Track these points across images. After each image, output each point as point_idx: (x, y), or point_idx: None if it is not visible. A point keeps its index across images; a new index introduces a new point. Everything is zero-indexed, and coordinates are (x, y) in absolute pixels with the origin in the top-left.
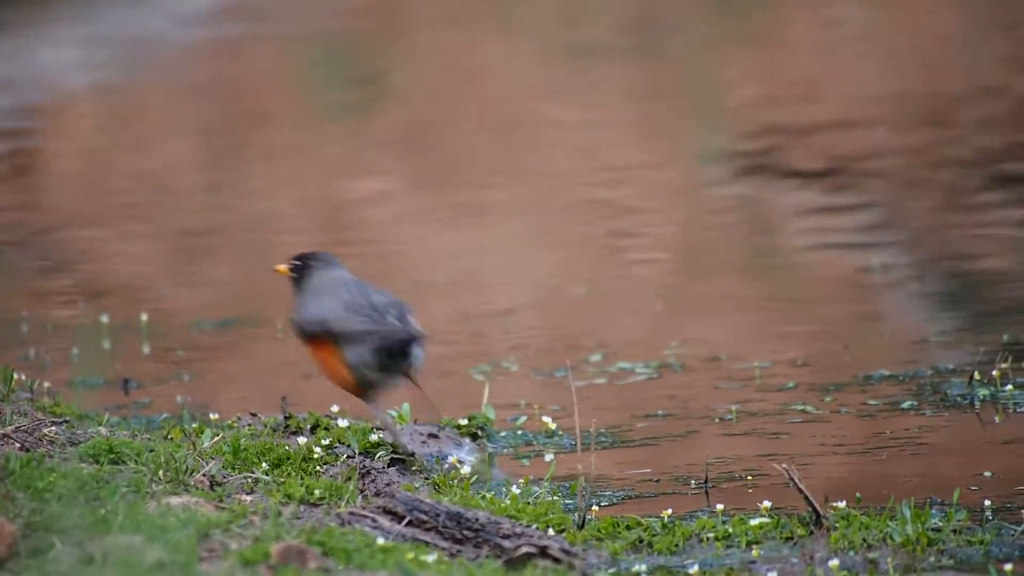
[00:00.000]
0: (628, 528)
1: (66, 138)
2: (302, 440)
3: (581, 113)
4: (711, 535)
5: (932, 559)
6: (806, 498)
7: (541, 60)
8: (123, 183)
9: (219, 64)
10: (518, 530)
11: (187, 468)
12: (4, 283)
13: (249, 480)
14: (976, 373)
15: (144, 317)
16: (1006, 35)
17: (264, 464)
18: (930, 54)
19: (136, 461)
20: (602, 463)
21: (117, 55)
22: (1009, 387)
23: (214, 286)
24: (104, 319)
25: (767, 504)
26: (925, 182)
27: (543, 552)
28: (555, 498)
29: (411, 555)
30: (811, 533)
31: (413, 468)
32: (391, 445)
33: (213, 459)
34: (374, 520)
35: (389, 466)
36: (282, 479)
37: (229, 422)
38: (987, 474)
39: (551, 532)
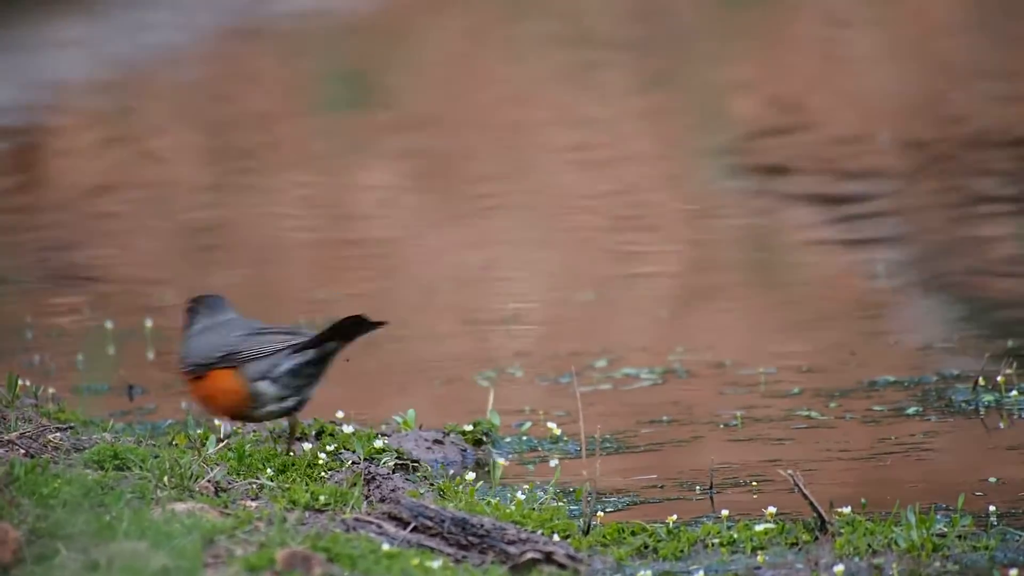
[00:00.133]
0: (633, 534)
1: (69, 140)
2: (307, 446)
3: (584, 116)
4: (716, 541)
5: (937, 565)
6: (811, 504)
7: (546, 66)
8: (127, 186)
9: (223, 66)
10: (523, 536)
11: (192, 474)
12: (9, 289)
13: (254, 486)
14: (981, 379)
15: (149, 323)
16: (1014, 27)
17: (269, 470)
18: (937, 54)
19: (141, 467)
20: (607, 469)
21: (122, 55)
22: (1014, 393)
23: (219, 289)
24: (109, 325)
25: (772, 510)
26: (931, 186)
27: (548, 558)
28: (560, 504)
29: (416, 561)
30: (816, 539)
31: (418, 474)
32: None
33: (218, 465)
34: (379, 526)
35: (394, 472)
36: (287, 485)
37: (234, 428)
38: (992, 480)
39: (556, 538)
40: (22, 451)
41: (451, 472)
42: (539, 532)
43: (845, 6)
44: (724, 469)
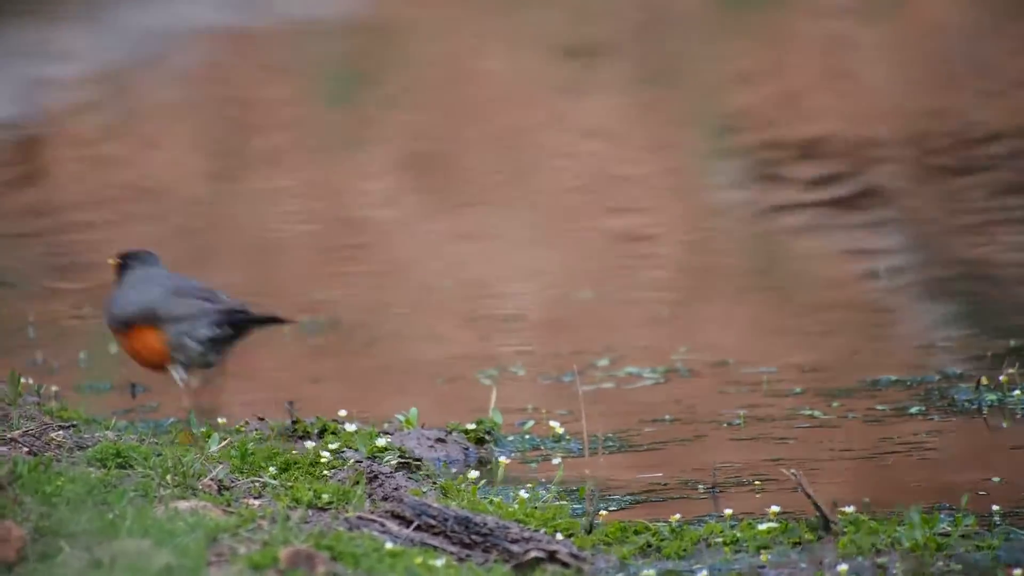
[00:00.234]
0: (636, 533)
1: (71, 139)
2: (310, 444)
3: (583, 114)
4: (719, 540)
5: (941, 564)
6: (814, 503)
7: (544, 64)
8: (128, 185)
9: (221, 66)
10: (526, 535)
11: (195, 472)
12: (11, 289)
13: (257, 484)
14: (983, 378)
15: None
16: (1017, 30)
17: (272, 468)
18: (940, 52)
19: (144, 465)
20: (610, 468)
21: (123, 53)
22: (1016, 392)
23: (219, 287)
24: None
25: (775, 509)
26: (932, 186)
27: (552, 557)
28: (563, 503)
29: (419, 560)
30: (820, 538)
31: (421, 472)
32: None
33: (221, 463)
34: (382, 524)
35: (396, 470)
36: (290, 483)
37: (236, 426)
38: (995, 479)
39: (559, 537)
40: (25, 449)
41: (454, 471)
42: (542, 531)
43: (847, 3)
44: (727, 468)
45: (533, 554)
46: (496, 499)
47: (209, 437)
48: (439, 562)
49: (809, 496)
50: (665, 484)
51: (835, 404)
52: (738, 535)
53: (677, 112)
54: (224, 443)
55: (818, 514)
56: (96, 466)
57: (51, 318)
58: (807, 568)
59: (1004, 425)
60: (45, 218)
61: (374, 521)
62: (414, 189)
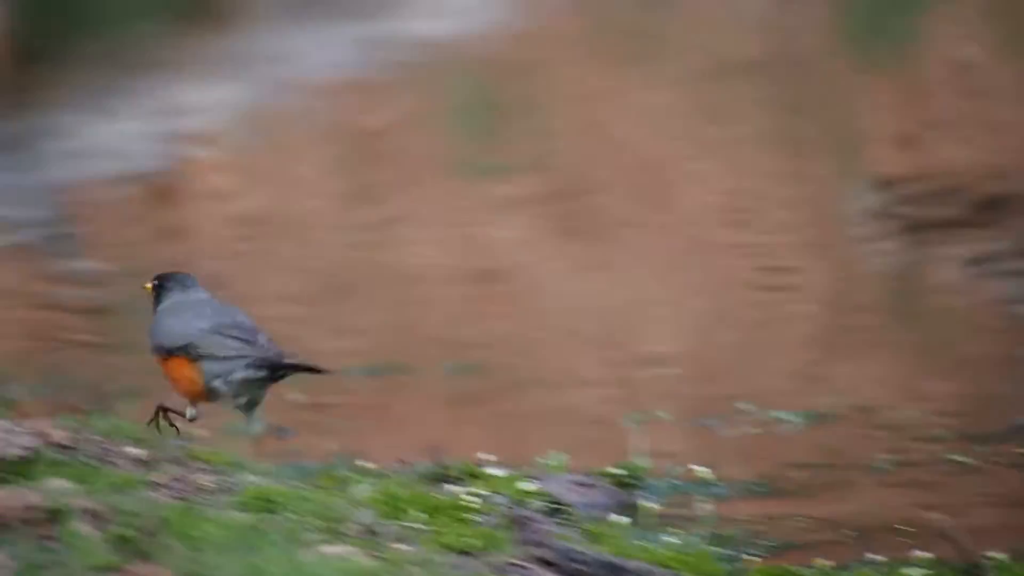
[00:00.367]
0: None
1: (208, 177)
2: (456, 488)
3: (721, 153)
4: None
5: None
6: (962, 549)
7: (679, 97)
8: (265, 227)
9: (362, 106)
10: None
11: (341, 517)
12: None
13: (404, 529)
14: None
15: None
16: None
17: (418, 513)
18: None
19: (290, 509)
20: (755, 513)
21: (262, 92)
22: None
23: (362, 333)
24: None
25: (923, 555)
26: None
27: None
28: (710, 548)
29: None
30: None
31: (567, 517)
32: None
33: (366, 508)
34: (530, 570)
35: (543, 515)
36: (437, 528)
37: (382, 470)
38: None
39: None
40: (172, 494)
41: (600, 515)
42: None
43: (979, 40)
44: (872, 513)
45: None
46: (643, 544)
47: (355, 481)
48: None
49: (957, 542)
50: (810, 529)
51: (981, 448)
52: None
53: (812, 150)
54: (369, 487)
55: (966, 560)
56: (242, 510)
57: None
58: None
59: None
60: (183, 259)
61: (522, 566)
62: (554, 229)
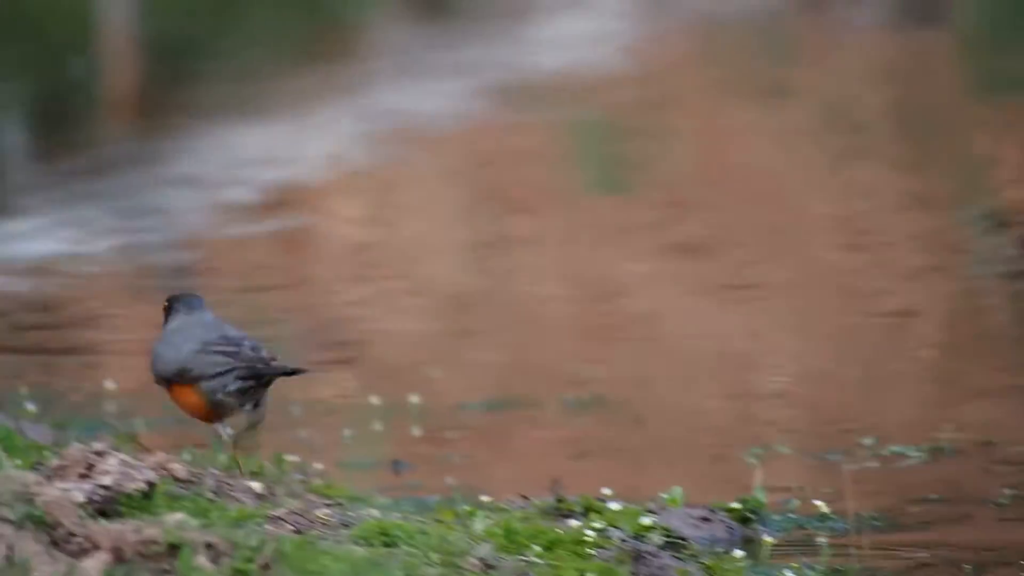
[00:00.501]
0: None
1: (331, 216)
2: (574, 523)
3: (848, 198)
4: None
5: None
6: None
7: (804, 145)
8: (389, 263)
9: (482, 143)
10: None
11: (459, 551)
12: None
13: (522, 563)
14: None
15: (414, 399)
16: None
17: (536, 547)
18: None
19: (409, 543)
20: (875, 547)
21: (381, 124)
22: None
23: (482, 367)
24: (374, 401)
25: None
26: None
27: None
28: None
29: None
30: None
31: (686, 551)
32: None
33: (485, 542)
34: None
35: (662, 549)
36: (555, 562)
37: (500, 504)
38: None
39: None
40: (290, 527)
41: (719, 550)
42: None
43: None
44: (992, 548)
45: None
46: None
47: (473, 515)
48: None
49: None
50: (931, 564)
51: None
52: None
53: (936, 187)
54: (488, 521)
55: None
56: (361, 544)
57: (315, 395)
58: None
59: None
60: (307, 296)
61: None
62: (675, 263)
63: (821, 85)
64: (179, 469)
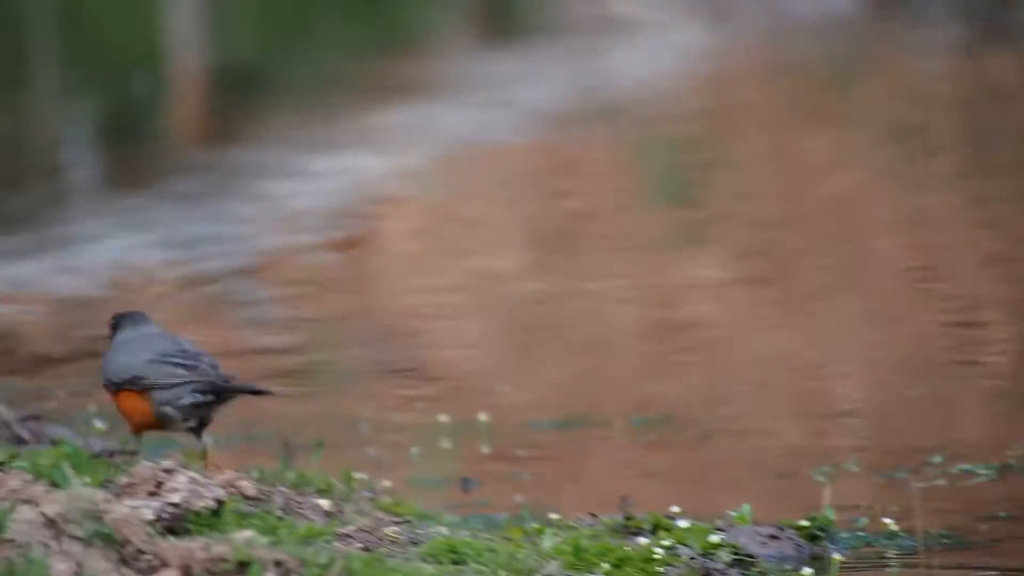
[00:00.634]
0: None
1: (398, 235)
2: (642, 540)
3: (916, 215)
4: None
5: None
6: None
7: (870, 158)
8: (455, 280)
9: (550, 161)
10: None
11: (528, 568)
12: (343, 382)
13: None
14: None
15: (483, 417)
16: None
17: (605, 565)
18: None
19: (477, 561)
20: (944, 565)
21: (449, 148)
22: None
23: (550, 385)
24: (443, 418)
25: None
26: None
27: None
28: None
29: None
30: None
31: (754, 569)
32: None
33: (554, 559)
34: None
35: (730, 567)
36: None
37: (569, 522)
38: None
39: None
40: (359, 544)
41: (787, 567)
42: None
43: None
44: None
45: None
46: None
47: (542, 533)
48: None
49: None
50: None
51: None
52: None
53: (1009, 204)
54: (557, 539)
55: None
56: (429, 562)
57: (383, 413)
58: None
59: None
60: (374, 315)
61: None
62: (743, 280)
63: (890, 106)
64: (248, 487)
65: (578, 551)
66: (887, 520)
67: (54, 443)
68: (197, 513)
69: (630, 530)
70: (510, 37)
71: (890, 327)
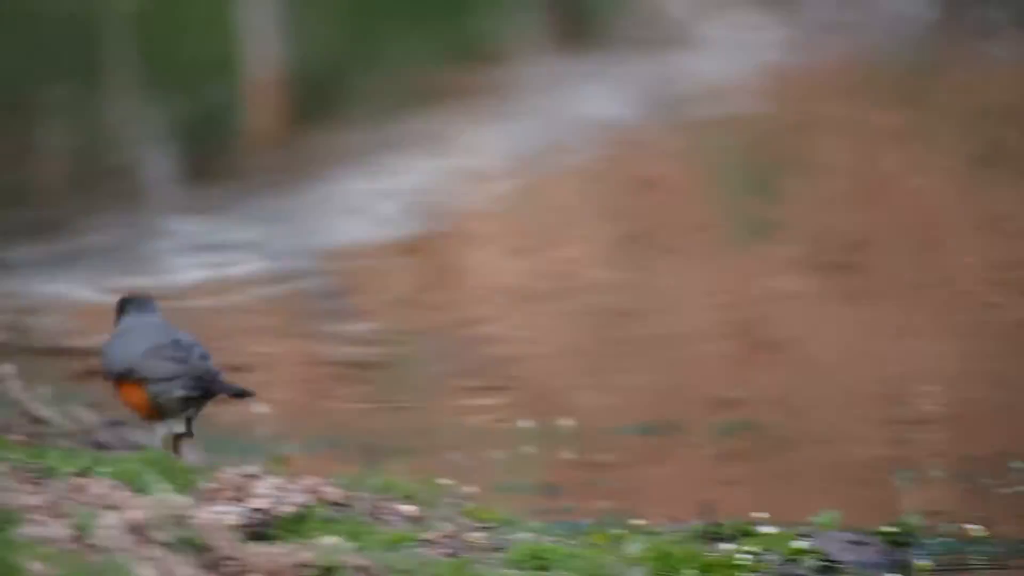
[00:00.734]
0: None
1: (479, 240)
2: (726, 546)
3: (995, 218)
4: None
5: None
6: None
7: (948, 168)
8: (534, 281)
9: (628, 168)
10: None
11: (612, 574)
12: (424, 388)
13: None
14: None
15: (565, 422)
16: None
17: (690, 571)
18: None
19: (562, 567)
20: None
21: (531, 143)
22: None
23: (632, 391)
24: (525, 424)
25: None
26: None
27: None
28: None
29: None
30: None
31: (839, 575)
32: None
33: (638, 565)
34: None
35: (816, 573)
36: None
37: (653, 528)
38: None
39: None
40: (443, 551)
41: (872, 574)
42: None
43: None
44: None
45: None
46: None
47: (627, 539)
48: None
49: None
50: None
51: None
52: None
53: None
54: (641, 545)
55: None
56: (514, 568)
57: (466, 419)
58: None
59: None
60: (456, 319)
61: None
62: (824, 286)
63: (968, 110)
64: (332, 492)
65: (662, 557)
66: (971, 526)
67: (137, 448)
68: (282, 518)
69: (714, 536)
70: (583, 43)
71: (972, 332)
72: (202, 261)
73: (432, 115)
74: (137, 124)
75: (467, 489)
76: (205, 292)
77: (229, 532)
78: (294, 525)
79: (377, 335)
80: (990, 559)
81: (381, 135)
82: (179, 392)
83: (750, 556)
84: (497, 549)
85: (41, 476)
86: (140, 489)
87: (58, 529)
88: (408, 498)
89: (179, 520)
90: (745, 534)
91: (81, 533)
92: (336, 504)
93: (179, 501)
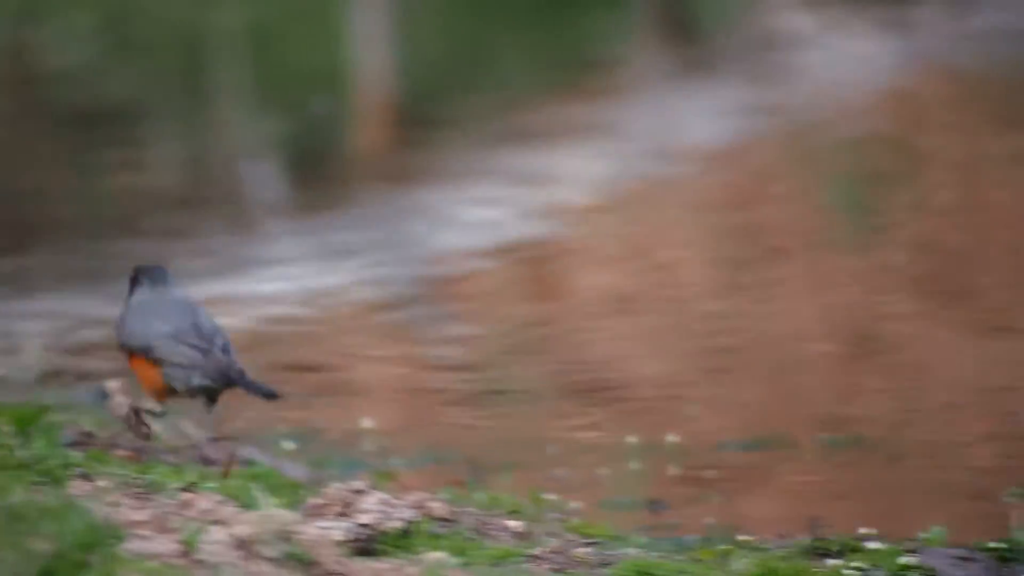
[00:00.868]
0: None
1: (583, 251)
2: (832, 562)
3: None
4: None
5: None
6: None
7: None
8: (640, 298)
9: (736, 176)
10: None
11: None
12: (529, 403)
13: None
14: None
15: (671, 438)
16: None
17: None
18: None
19: None
20: None
21: (632, 161)
22: None
23: (738, 406)
24: (631, 439)
25: None
26: None
27: None
28: None
29: None
30: None
31: None
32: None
33: None
34: None
35: None
36: None
37: (759, 544)
38: None
39: None
40: (549, 566)
41: None
42: None
43: None
44: None
45: None
46: None
47: (734, 555)
48: None
49: None
50: None
51: None
52: None
53: None
54: (747, 561)
55: None
56: None
57: (571, 434)
58: None
59: None
60: (560, 332)
61: None
62: (934, 304)
63: None
64: (438, 507)
65: (770, 573)
66: None
67: (244, 464)
68: (388, 534)
69: (820, 552)
70: (689, 56)
71: None
72: (303, 272)
73: (540, 122)
74: (245, 136)
75: (573, 504)
76: (307, 302)
77: (335, 547)
78: (400, 540)
79: (481, 347)
80: None
81: (487, 148)
82: (197, 382)
83: (857, 572)
84: (604, 564)
85: (147, 491)
86: (247, 504)
87: (164, 544)
88: (514, 513)
89: (286, 535)
90: (852, 550)
91: (187, 548)
92: (442, 519)
93: (286, 516)
